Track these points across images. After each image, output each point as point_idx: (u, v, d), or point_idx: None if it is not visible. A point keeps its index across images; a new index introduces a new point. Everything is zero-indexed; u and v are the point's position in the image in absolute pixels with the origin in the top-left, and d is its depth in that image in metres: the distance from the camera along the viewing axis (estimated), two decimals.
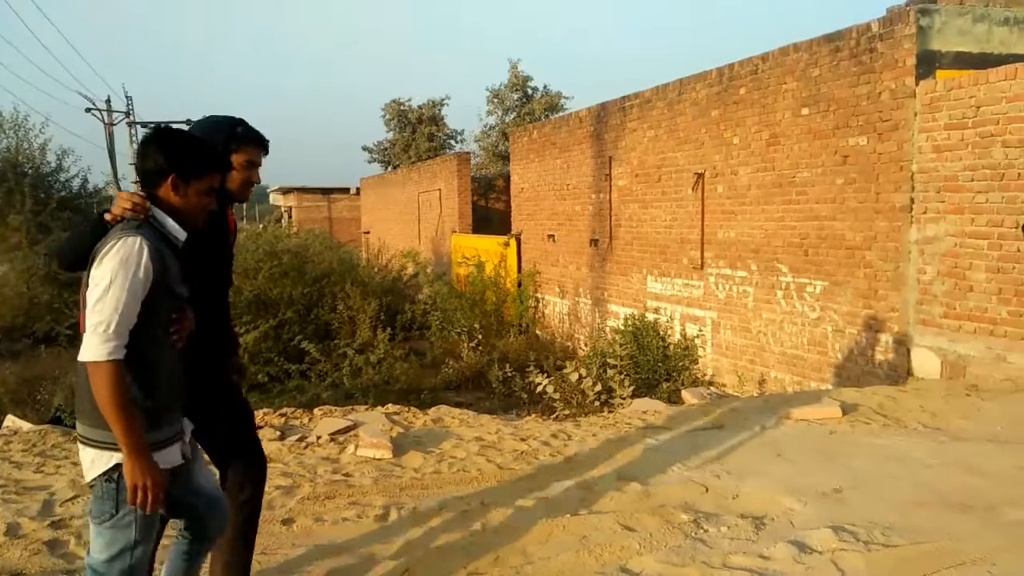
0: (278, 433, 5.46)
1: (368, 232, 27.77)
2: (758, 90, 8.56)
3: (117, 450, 2.13)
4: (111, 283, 2.08)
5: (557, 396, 8.40)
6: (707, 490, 4.04)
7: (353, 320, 12.60)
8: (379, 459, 4.81)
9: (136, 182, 2.90)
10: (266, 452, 5.01)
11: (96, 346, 2.07)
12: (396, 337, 12.44)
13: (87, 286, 2.15)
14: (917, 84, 6.63)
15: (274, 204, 39.23)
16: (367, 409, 6.70)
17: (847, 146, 7.38)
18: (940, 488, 3.91)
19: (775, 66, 8.31)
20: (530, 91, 25.22)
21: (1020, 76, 5.85)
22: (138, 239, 2.13)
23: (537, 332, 13.99)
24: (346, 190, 33.59)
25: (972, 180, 6.22)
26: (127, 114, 29.31)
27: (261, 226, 18.35)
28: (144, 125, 27.10)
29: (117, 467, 2.15)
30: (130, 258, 2.10)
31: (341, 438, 5.30)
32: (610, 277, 12.03)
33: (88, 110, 27.41)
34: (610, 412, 7.29)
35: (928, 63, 6.63)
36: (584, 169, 12.78)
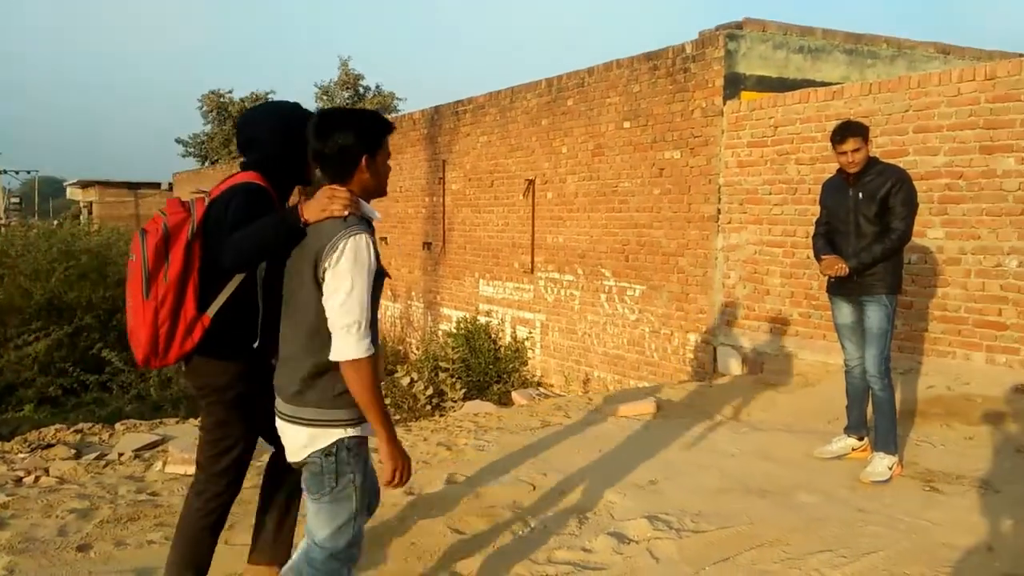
0: (73, 451, 4.93)
1: None
2: (584, 102, 8.92)
3: (338, 428, 2.21)
4: (352, 285, 2.14)
5: (388, 401, 8.27)
6: (534, 488, 4.12)
7: None
8: (191, 475, 4.46)
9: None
10: (59, 472, 4.54)
11: (353, 345, 2.14)
12: None
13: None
14: (724, 104, 7.20)
15: (71, 199, 35.72)
16: (177, 422, 6.22)
17: (663, 159, 7.86)
18: (742, 475, 4.24)
19: (600, 80, 8.70)
20: (362, 90, 24.70)
21: (812, 100, 6.52)
22: (363, 237, 2.17)
23: None
24: (157, 185, 31.18)
25: (770, 193, 6.84)
26: None
27: (56, 223, 16.60)
28: None
29: (337, 443, 2.22)
30: (361, 257, 2.16)
31: (147, 454, 4.88)
32: (443, 280, 12.04)
33: None
34: (442, 415, 7.27)
35: (734, 85, 7.22)
36: (418, 172, 12.71)
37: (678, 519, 3.62)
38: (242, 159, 2.70)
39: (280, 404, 2.31)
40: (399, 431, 5.74)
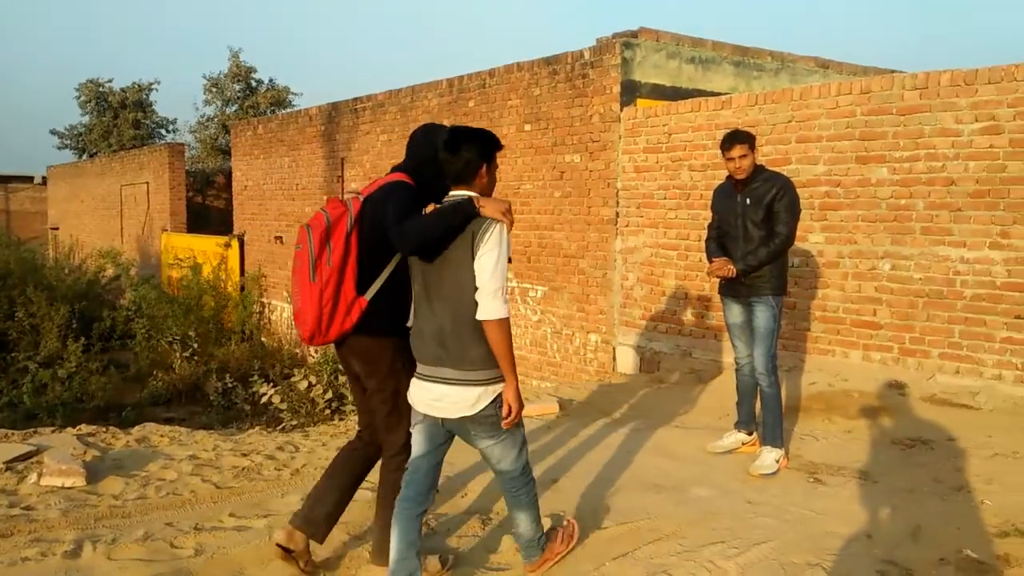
0: None
1: (57, 228, 24.34)
2: (486, 103, 8.94)
3: (500, 383, 2.77)
4: (497, 260, 2.70)
5: (284, 406, 8.02)
6: (437, 490, 4.08)
7: (37, 329, 10.94)
8: (69, 487, 4.17)
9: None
10: None
11: (499, 307, 2.70)
12: (93, 348, 11.08)
13: (450, 261, 2.73)
14: (621, 110, 7.38)
15: None
16: (54, 431, 5.80)
17: (564, 162, 7.98)
18: (640, 472, 4.35)
19: (501, 82, 8.74)
20: (254, 83, 23.80)
21: (703, 109, 6.78)
22: (504, 226, 2.73)
23: (263, 339, 13.24)
24: (29, 179, 28.94)
25: (665, 198, 7.07)
26: None
27: None
28: None
29: (498, 396, 2.78)
30: (504, 239, 2.73)
31: (20, 466, 4.52)
32: None
33: None
34: (341, 420, 7.11)
35: (631, 92, 7.42)
36: (315, 169, 12.38)
37: (579, 517, 3.67)
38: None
39: (442, 372, 2.77)
40: (296, 436, 5.58)
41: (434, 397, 2.80)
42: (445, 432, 2.89)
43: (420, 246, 2.74)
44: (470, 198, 2.74)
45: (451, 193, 2.87)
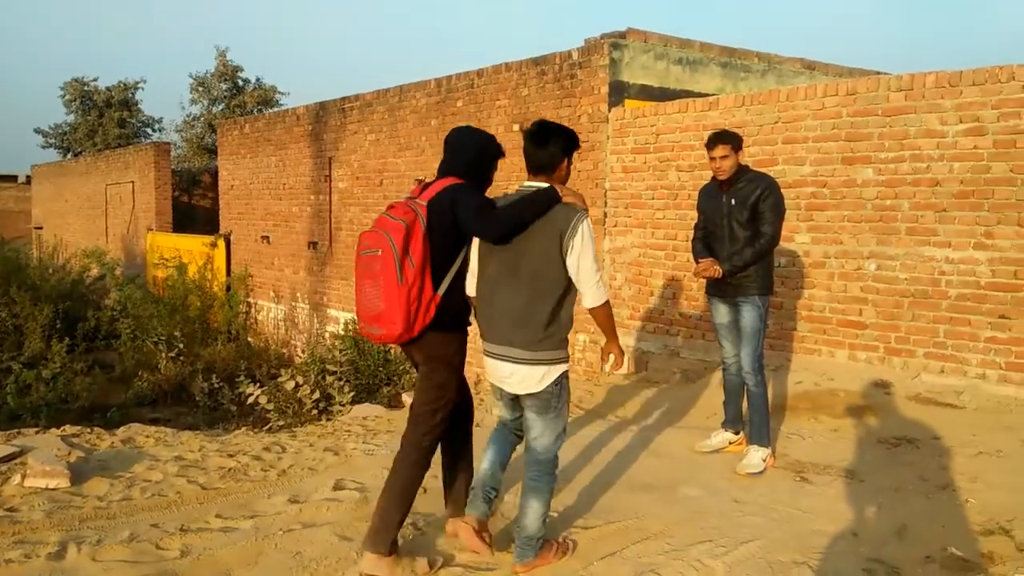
0: None
1: (41, 227, 24.10)
2: (474, 103, 8.93)
3: (563, 364, 3.09)
4: (592, 251, 3.00)
5: (271, 407, 7.97)
6: (426, 491, 4.05)
7: (20, 329, 10.83)
8: (54, 489, 4.13)
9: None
10: None
11: (602, 294, 3.05)
12: (77, 348, 10.97)
13: (530, 253, 3.01)
14: (609, 111, 7.40)
15: None
16: (38, 432, 5.74)
17: None
18: (629, 471, 4.36)
19: (489, 83, 8.73)
20: (241, 82, 23.65)
21: (690, 110, 6.80)
22: (587, 219, 3.02)
23: (249, 339, 13.16)
24: (13, 178, 28.63)
25: (653, 198, 7.09)
26: None
27: None
28: None
29: (561, 375, 3.08)
30: (591, 231, 3.02)
31: (3, 467, 4.47)
32: (330, 281, 11.73)
33: None
34: (329, 420, 7.09)
35: (619, 92, 7.43)
36: (302, 169, 12.33)
37: (568, 516, 3.67)
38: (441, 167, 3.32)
39: (512, 352, 3.05)
40: (283, 437, 5.55)
41: (504, 374, 3.11)
42: (517, 402, 3.21)
43: (511, 232, 3.01)
44: (552, 187, 3.03)
45: (527, 183, 3.13)
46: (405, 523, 3.30)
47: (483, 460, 3.30)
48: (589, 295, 3.03)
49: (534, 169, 3.11)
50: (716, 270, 4.32)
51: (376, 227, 3.08)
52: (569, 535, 3.45)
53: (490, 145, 3.33)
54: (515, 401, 3.22)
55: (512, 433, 3.35)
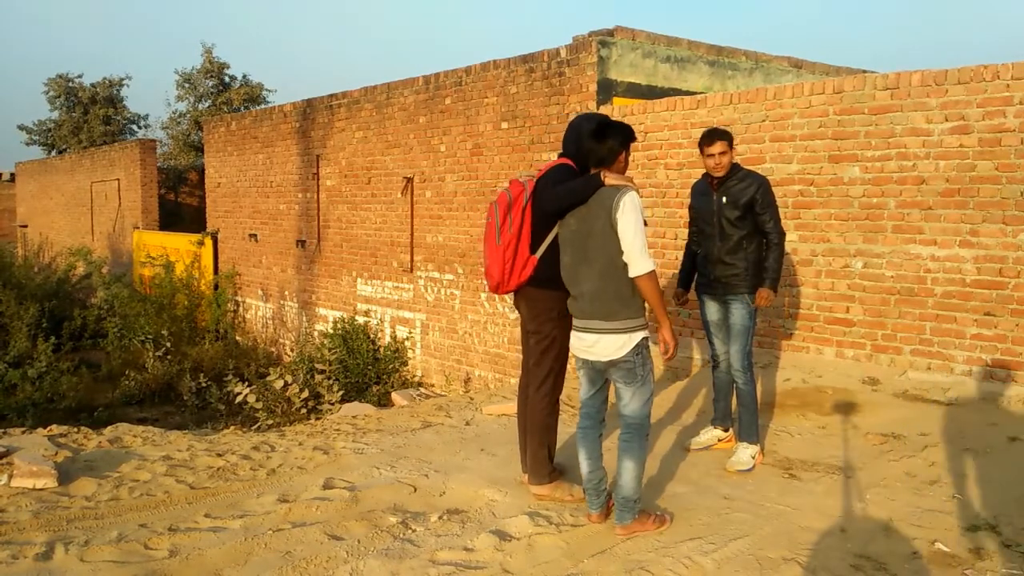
0: None
1: (26, 226, 23.88)
2: (463, 101, 8.92)
3: (641, 331, 3.39)
4: (635, 224, 3.29)
5: (260, 406, 7.94)
6: (415, 490, 4.07)
7: (6, 328, 10.74)
8: (41, 489, 4.10)
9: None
10: None
11: (647, 263, 3.30)
12: (63, 347, 10.89)
13: (568, 227, 3.49)
14: (598, 108, 7.40)
15: None
16: (24, 432, 5.69)
17: (541, 160, 7.98)
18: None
19: (477, 80, 8.72)
20: (227, 79, 23.48)
21: (678, 108, 6.82)
22: (634, 192, 3.37)
23: (237, 338, 13.10)
24: None
25: (641, 197, 7.08)
26: None
27: None
28: None
29: (640, 342, 3.38)
30: (637, 203, 3.34)
31: None
32: (319, 279, 11.69)
33: None
34: (318, 419, 7.07)
35: (607, 90, 7.44)
36: (290, 166, 12.27)
37: (558, 514, 3.68)
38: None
39: (593, 324, 3.39)
40: (271, 436, 5.53)
41: (588, 344, 3.44)
42: (600, 373, 3.51)
43: (556, 207, 3.50)
44: (597, 173, 3.40)
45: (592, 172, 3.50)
46: (396, 523, 3.29)
47: (581, 464, 3.59)
48: (632, 263, 3.30)
49: (596, 162, 3.47)
50: (770, 295, 4.37)
51: (496, 200, 3.73)
52: (666, 509, 3.68)
53: (589, 130, 3.64)
54: (597, 374, 3.51)
55: (590, 427, 3.60)
